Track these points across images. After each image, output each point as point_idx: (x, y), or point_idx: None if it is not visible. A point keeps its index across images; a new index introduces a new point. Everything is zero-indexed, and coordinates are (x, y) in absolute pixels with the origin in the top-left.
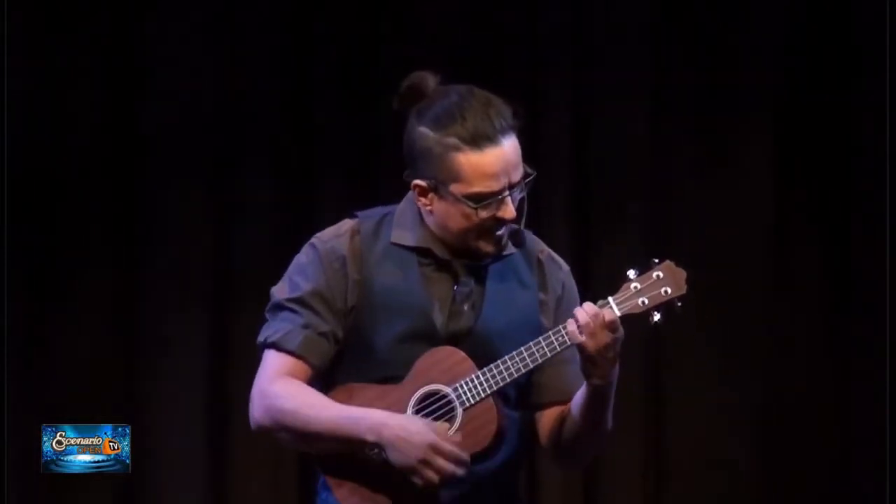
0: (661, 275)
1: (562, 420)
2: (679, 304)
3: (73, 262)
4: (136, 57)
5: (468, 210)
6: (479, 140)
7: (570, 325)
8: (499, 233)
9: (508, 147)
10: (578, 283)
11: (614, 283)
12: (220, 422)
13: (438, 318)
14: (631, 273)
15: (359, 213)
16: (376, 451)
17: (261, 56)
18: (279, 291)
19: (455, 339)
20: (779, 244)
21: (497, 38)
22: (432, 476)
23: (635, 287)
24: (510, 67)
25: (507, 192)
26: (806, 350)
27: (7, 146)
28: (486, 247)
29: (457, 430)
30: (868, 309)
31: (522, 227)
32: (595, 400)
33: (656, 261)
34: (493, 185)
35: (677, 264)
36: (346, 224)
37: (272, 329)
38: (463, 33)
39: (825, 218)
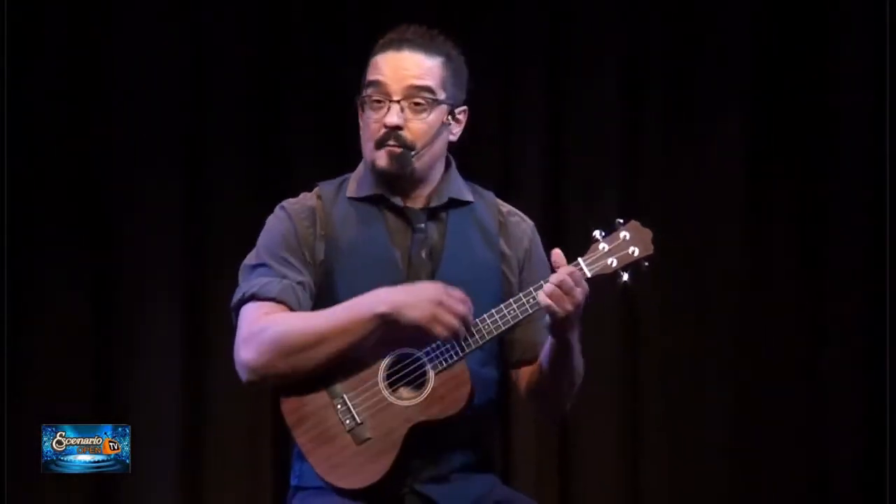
0: (628, 235)
1: (536, 373)
2: (646, 264)
3: (66, 258)
4: (103, 46)
5: (367, 114)
6: (386, 44)
7: (541, 296)
8: (389, 145)
9: (408, 55)
10: (549, 246)
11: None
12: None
13: (400, 271)
14: (597, 233)
15: (319, 183)
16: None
17: (232, 40)
18: (249, 257)
19: None
20: (751, 218)
21: (473, 9)
22: (450, 319)
23: (603, 248)
24: (485, 43)
25: (395, 97)
26: (782, 321)
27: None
28: (380, 159)
29: (429, 394)
30: (842, 280)
31: (420, 150)
32: (563, 349)
33: (621, 221)
34: (377, 76)
35: (643, 224)
36: (308, 193)
37: (248, 285)
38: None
39: (798, 189)
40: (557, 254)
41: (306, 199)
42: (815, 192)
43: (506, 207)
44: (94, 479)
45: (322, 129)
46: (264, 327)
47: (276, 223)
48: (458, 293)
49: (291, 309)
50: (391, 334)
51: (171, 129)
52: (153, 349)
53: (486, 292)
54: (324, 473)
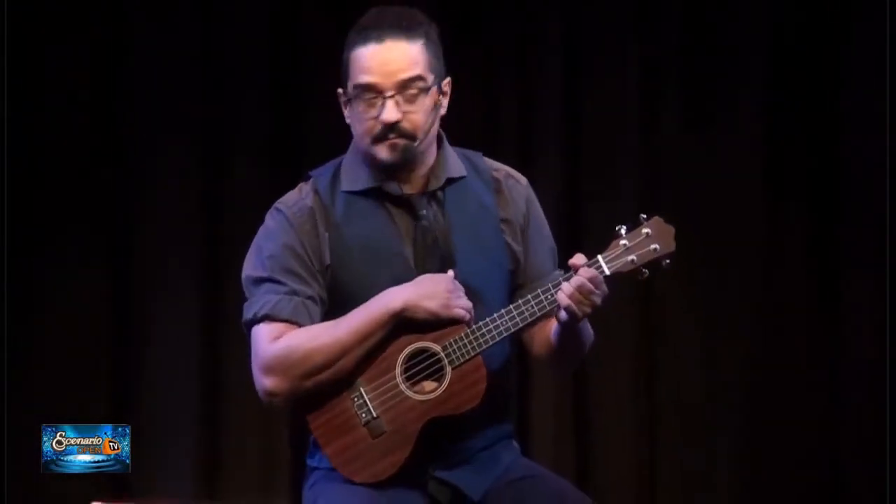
0: (650, 231)
1: (543, 340)
2: (667, 261)
3: (66, 258)
4: (124, 28)
5: (359, 109)
6: (364, 35)
7: (561, 296)
8: (388, 138)
9: (391, 46)
10: (569, 239)
11: (604, 240)
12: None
13: (411, 260)
14: (620, 229)
15: (312, 173)
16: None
17: (248, 27)
18: (253, 266)
19: None
20: (769, 205)
21: (490, 6)
22: (465, 300)
23: (624, 245)
24: (499, 29)
25: (389, 93)
26: (795, 312)
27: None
28: (381, 152)
29: (445, 389)
30: (858, 267)
31: (422, 138)
32: (571, 332)
33: (644, 217)
34: (368, 78)
35: (666, 220)
36: (304, 186)
37: (259, 303)
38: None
39: (815, 177)
40: (578, 257)
41: (303, 198)
42: (834, 187)
43: (500, 171)
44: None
45: (337, 110)
46: (286, 352)
47: (277, 231)
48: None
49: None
50: (410, 329)
51: (186, 117)
52: (167, 336)
53: (495, 265)
54: (339, 466)
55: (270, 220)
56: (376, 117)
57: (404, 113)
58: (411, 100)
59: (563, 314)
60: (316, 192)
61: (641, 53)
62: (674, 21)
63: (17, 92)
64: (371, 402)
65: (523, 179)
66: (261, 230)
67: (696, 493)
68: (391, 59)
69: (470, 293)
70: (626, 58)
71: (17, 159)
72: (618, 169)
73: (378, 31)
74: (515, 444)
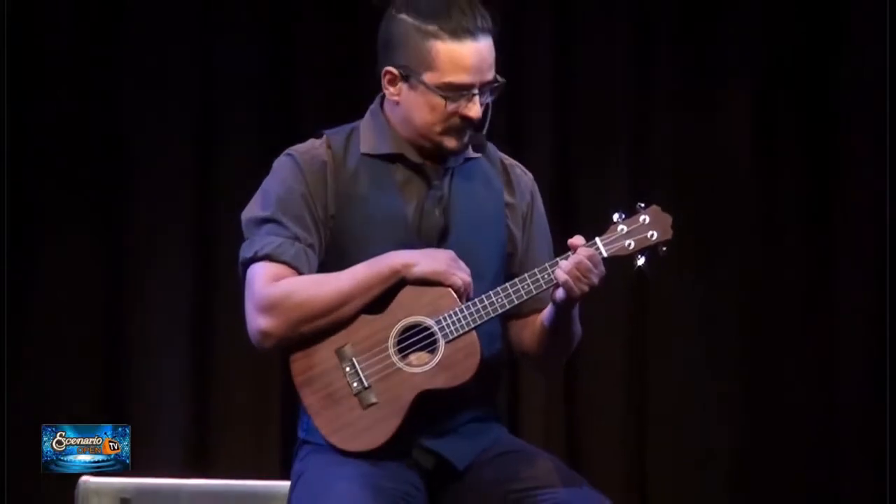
0: (648, 219)
1: (533, 331)
2: (664, 248)
3: (64, 257)
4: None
5: (436, 101)
6: (460, 31)
7: (559, 273)
8: (462, 131)
9: (485, 45)
10: (561, 221)
11: (597, 220)
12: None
13: (412, 225)
14: (617, 216)
15: (325, 131)
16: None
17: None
18: (259, 206)
19: (429, 245)
20: (758, 181)
21: None
22: (464, 274)
23: (622, 229)
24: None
25: (475, 90)
26: (789, 294)
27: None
28: (449, 142)
29: (438, 363)
30: (854, 260)
31: (484, 133)
32: (564, 317)
33: (642, 205)
34: (465, 78)
35: (663, 209)
36: (317, 140)
37: (260, 243)
38: None
39: (806, 154)
40: (577, 238)
41: (315, 148)
42: (825, 166)
43: (507, 160)
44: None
45: (334, 80)
46: (286, 293)
47: (286, 173)
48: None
49: (301, 274)
50: (406, 302)
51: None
52: (162, 336)
53: (493, 244)
54: (328, 435)
55: (280, 163)
56: (456, 112)
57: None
58: (484, 94)
59: (559, 293)
60: (329, 146)
61: (633, 21)
62: None
63: (9, 78)
64: (363, 373)
65: (529, 174)
66: (270, 174)
67: (688, 482)
68: (485, 59)
69: (467, 266)
70: (616, 29)
71: (13, 158)
72: (609, 149)
73: (472, 28)
74: (502, 426)
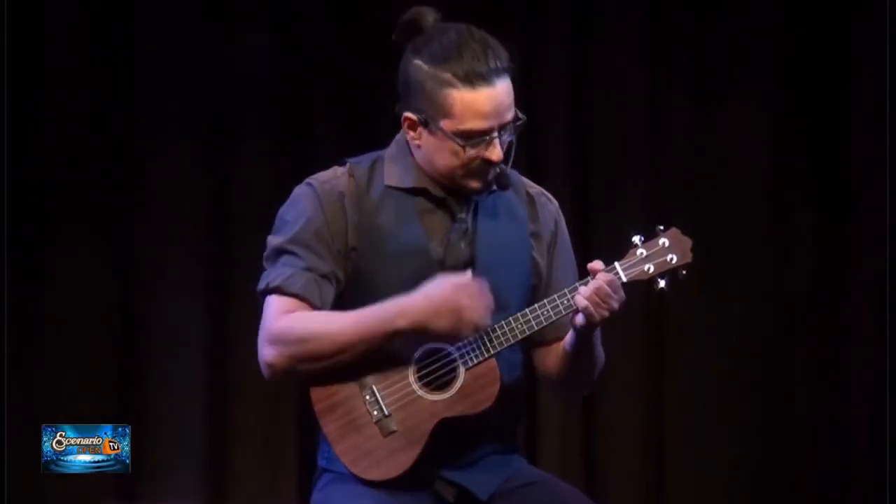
0: (668, 242)
1: (557, 356)
2: (684, 272)
3: (68, 257)
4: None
5: (456, 147)
6: (473, 78)
7: (579, 299)
8: (485, 172)
9: (501, 88)
10: (577, 246)
11: (614, 247)
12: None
13: (437, 258)
14: (636, 239)
15: (349, 160)
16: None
17: (254, 17)
18: (275, 235)
19: None
20: (776, 209)
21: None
22: (472, 317)
23: (641, 253)
24: (507, 28)
25: (495, 134)
26: (805, 316)
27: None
28: (473, 184)
29: (458, 391)
30: (866, 271)
31: (509, 168)
32: (585, 342)
33: (662, 228)
34: (483, 125)
35: (683, 232)
36: (339, 169)
37: (273, 274)
38: None
39: (822, 181)
40: (596, 262)
41: (337, 178)
42: (839, 177)
43: (533, 188)
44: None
45: (345, 94)
46: (289, 327)
47: (304, 204)
48: (468, 282)
49: (314, 305)
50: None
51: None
52: (174, 341)
53: (518, 276)
54: (349, 463)
55: (299, 192)
56: (478, 156)
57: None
58: (505, 133)
59: (579, 318)
60: (352, 176)
61: (649, 48)
62: (683, 17)
63: (19, 91)
64: (383, 401)
65: (555, 202)
66: (288, 200)
67: None
68: (502, 102)
69: (491, 296)
70: (634, 48)
71: (20, 155)
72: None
73: (486, 73)
74: (522, 457)
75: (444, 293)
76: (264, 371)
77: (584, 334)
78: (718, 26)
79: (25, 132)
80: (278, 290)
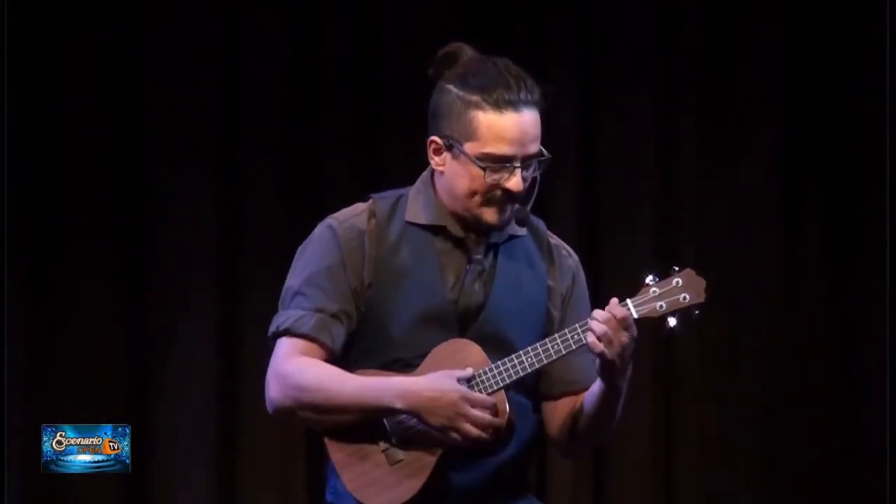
0: (681, 282)
1: (573, 412)
2: (697, 311)
3: (73, 257)
4: (142, 37)
5: (476, 171)
6: (501, 103)
7: (589, 335)
8: (503, 204)
9: (528, 118)
10: (587, 281)
11: (624, 280)
12: (230, 418)
13: (451, 298)
14: (650, 279)
15: (373, 196)
16: (406, 418)
17: (267, 37)
18: (291, 276)
19: (465, 318)
20: (787, 240)
21: (506, 36)
22: (469, 428)
23: (654, 291)
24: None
25: (517, 163)
26: (814, 345)
27: (6, 142)
28: (490, 215)
29: None
30: (875, 306)
31: (529, 208)
32: (610, 395)
33: (676, 268)
34: (505, 149)
35: (698, 273)
36: (362, 205)
37: (283, 317)
38: (470, 21)
39: (834, 213)
40: (611, 302)
41: (358, 216)
42: (851, 211)
43: (554, 240)
44: (118, 477)
45: (356, 127)
46: (295, 372)
47: (320, 246)
48: (482, 399)
49: (324, 347)
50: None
51: (204, 123)
52: (182, 360)
53: (529, 323)
54: (354, 490)
55: (318, 234)
56: (497, 184)
57: (523, 180)
58: (528, 168)
59: (598, 362)
60: (373, 214)
61: (659, 86)
62: (690, 48)
63: (32, 104)
64: (390, 430)
65: (575, 257)
66: (308, 240)
67: None
68: (528, 132)
69: (501, 345)
70: (643, 87)
71: (31, 165)
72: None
73: (514, 100)
74: (532, 497)
75: (450, 394)
76: (268, 407)
77: (607, 378)
78: (728, 72)
79: (36, 132)
80: (287, 333)
